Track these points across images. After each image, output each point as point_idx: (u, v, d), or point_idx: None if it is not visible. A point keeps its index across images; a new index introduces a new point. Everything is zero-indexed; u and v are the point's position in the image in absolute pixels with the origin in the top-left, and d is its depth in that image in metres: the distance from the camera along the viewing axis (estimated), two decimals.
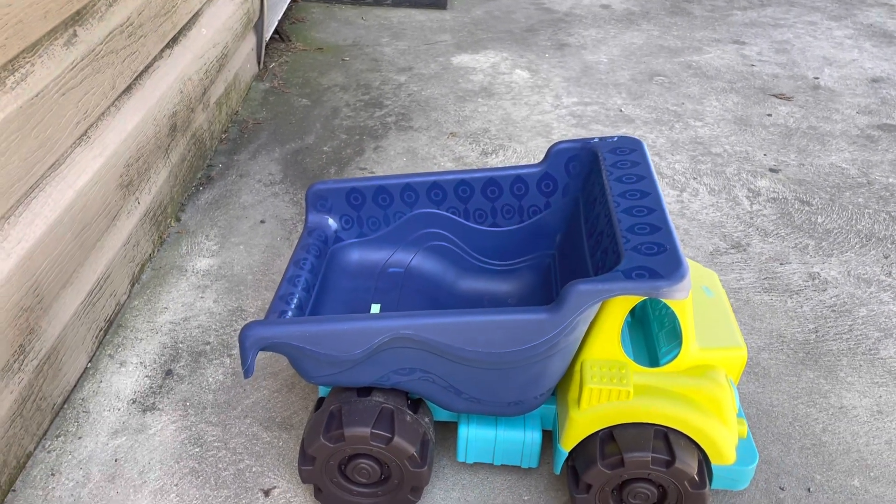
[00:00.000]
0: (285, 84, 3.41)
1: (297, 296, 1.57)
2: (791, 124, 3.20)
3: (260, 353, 1.81)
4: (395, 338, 1.34)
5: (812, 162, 2.92)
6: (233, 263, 2.25)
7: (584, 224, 1.62)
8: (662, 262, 1.26)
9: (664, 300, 1.34)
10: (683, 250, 2.37)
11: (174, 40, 2.42)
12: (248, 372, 1.37)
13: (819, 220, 2.56)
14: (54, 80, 1.66)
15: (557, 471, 1.52)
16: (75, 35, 1.78)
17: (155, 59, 2.26)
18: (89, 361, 1.88)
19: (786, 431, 1.78)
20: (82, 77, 1.79)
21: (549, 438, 1.65)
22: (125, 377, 1.85)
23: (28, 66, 1.58)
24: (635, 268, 1.26)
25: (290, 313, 1.52)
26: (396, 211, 1.80)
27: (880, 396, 1.88)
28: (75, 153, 1.80)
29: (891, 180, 2.79)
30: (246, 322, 1.94)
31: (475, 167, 2.82)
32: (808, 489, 1.65)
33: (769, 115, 3.28)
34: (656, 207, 1.41)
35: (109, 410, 1.76)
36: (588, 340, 1.43)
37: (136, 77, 2.13)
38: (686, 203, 2.63)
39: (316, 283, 1.66)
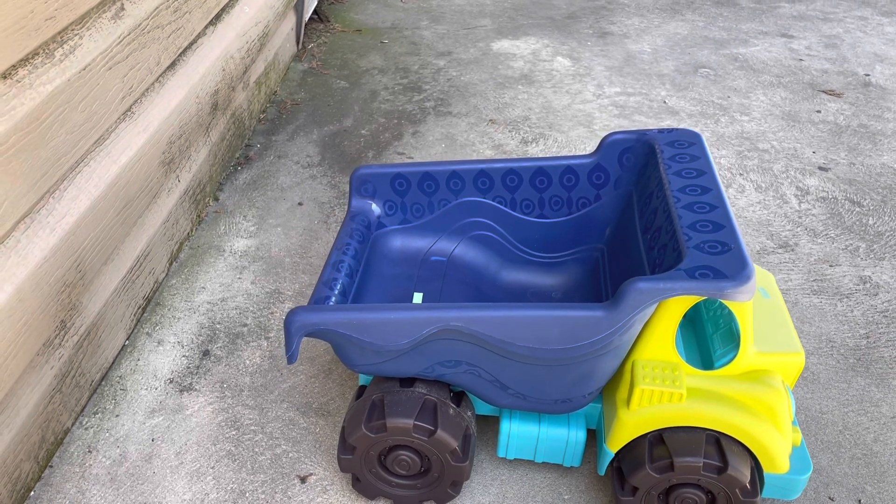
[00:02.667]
0: (324, 65, 3.37)
1: (340, 281, 1.54)
2: (841, 122, 3.10)
3: None
4: (444, 329, 1.30)
5: (863, 161, 2.82)
6: (270, 245, 2.23)
7: (638, 219, 1.56)
8: (727, 262, 1.21)
9: (725, 301, 1.28)
10: None
11: (218, 17, 2.39)
12: (291, 358, 1.35)
13: (870, 222, 2.48)
14: (101, 53, 1.64)
15: (602, 472, 1.48)
16: (123, 9, 1.76)
17: (199, 36, 2.23)
18: (127, 339, 1.87)
19: (836, 440, 1.72)
20: (129, 51, 1.77)
21: (593, 438, 1.61)
22: (163, 356, 1.84)
23: (76, 38, 1.56)
24: (699, 267, 1.21)
25: (333, 299, 1.49)
26: (442, 198, 1.76)
27: None
28: (120, 129, 1.79)
29: None
30: (288, 307, 1.92)
31: (515, 155, 2.77)
32: (860, 501, 1.59)
33: (818, 111, 3.18)
34: (718, 204, 1.35)
35: (147, 389, 1.75)
36: (641, 340, 1.39)
37: (181, 53, 2.11)
38: (732, 200, 2.56)
39: (359, 268, 1.63)
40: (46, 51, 1.46)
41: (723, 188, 1.41)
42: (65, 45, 1.52)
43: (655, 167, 1.54)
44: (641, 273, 1.44)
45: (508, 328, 1.28)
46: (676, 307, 1.32)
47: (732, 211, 1.29)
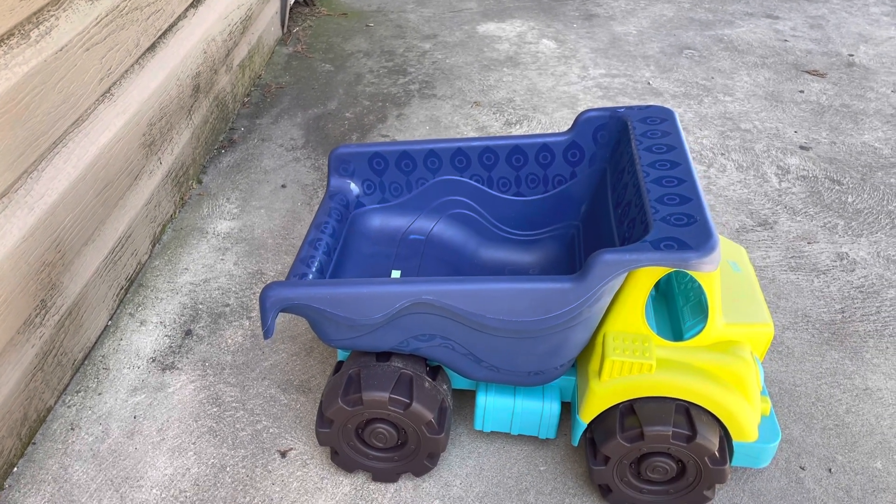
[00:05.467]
0: (309, 49, 3.37)
1: (318, 259, 1.55)
2: (824, 101, 3.12)
3: (279, 315, 1.81)
4: (417, 303, 1.32)
5: (844, 140, 2.85)
6: (253, 227, 2.24)
7: (610, 194, 1.58)
8: (692, 234, 1.23)
9: (691, 273, 1.31)
10: None
11: (198, 0, 2.39)
12: (267, 333, 1.37)
13: (849, 200, 2.50)
14: (78, 34, 1.64)
15: (575, 442, 1.51)
16: None
17: (179, 18, 2.23)
18: (110, 319, 1.89)
19: (808, 411, 1.75)
20: (106, 33, 1.77)
21: (568, 410, 1.64)
22: (145, 336, 1.86)
23: (52, 19, 1.56)
24: (664, 238, 1.23)
25: (310, 276, 1.50)
26: (419, 177, 1.78)
27: None
28: (98, 110, 1.79)
29: None
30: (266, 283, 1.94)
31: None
32: (830, 469, 1.62)
33: (801, 91, 3.20)
34: (686, 178, 1.37)
35: (129, 368, 1.77)
36: (611, 312, 1.41)
37: (161, 35, 2.11)
38: (713, 179, 2.58)
39: (337, 247, 1.65)
40: (22, 31, 1.47)
41: (692, 163, 1.42)
42: (41, 26, 1.53)
43: (628, 143, 1.56)
44: (613, 247, 1.46)
45: (479, 301, 1.31)
46: (645, 279, 1.35)
47: (701, 184, 1.31)
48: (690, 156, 1.44)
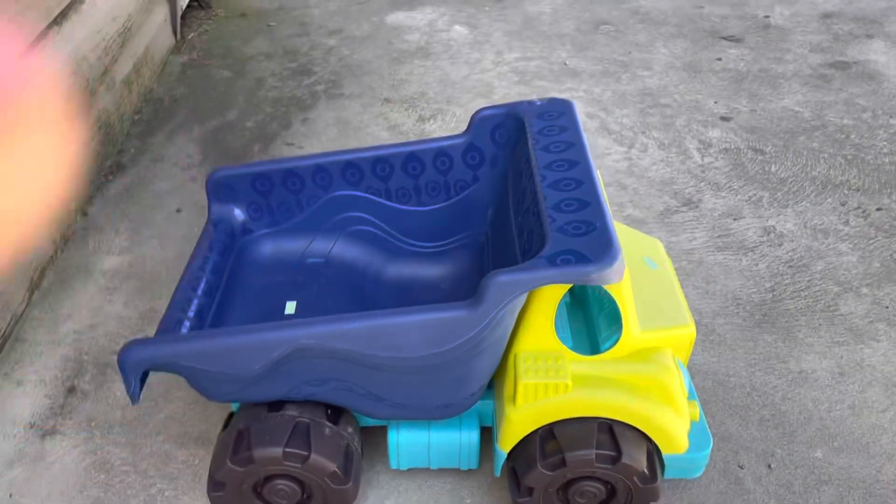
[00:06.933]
0: (205, 55, 3.16)
1: (196, 301, 1.39)
2: (742, 68, 3.05)
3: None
4: (297, 349, 1.18)
5: (764, 107, 2.78)
6: (145, 259, 2.06)
7: (511, 201, 1.46)
8: (591, 244, 1.11)
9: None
10: (632, 212, 2.24)
11: (62, 16, 2.17)
12: (133, 398, 1.21)
13: (773, 170, 2.44)
14: None
15: (497, 473, 1.39)
16: None
17: (39, 38, 2.02)
18: None
19: (744, 403, 1.67)
20: None
21: (490, 435, 1.52)
22: (22, 398, 1.67)
23: None
24: (560, 252, 1.11)
25: (187, 323, 1.35)
26: (310, 195, 1.63)
27: (841, 357, 1.77)
28: None
29: (845, 121, 2.67)
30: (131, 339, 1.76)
31: (413, 136, 2.63)
32: (769, 465, 1.54)
33: (719, 59, 3.13)
34: (585, 179, 1.25)
35: (4, 438, 1.58)
36: (519, 331, 1.29)
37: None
38: (634, 160, 2.48)
39: (220, 284, 1.49)
40: None
41: (591, 160, 1.31)
42: None
43: (525, 143, 1.43)
44: (515, 261, 1.34)
45: (365, 340, 1.17)
46: (550, 294, 1.23)
47: (601, 184, 1.19)
48: (589, 151, 1.32)
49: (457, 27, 3.42)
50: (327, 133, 2.64)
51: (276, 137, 2.62)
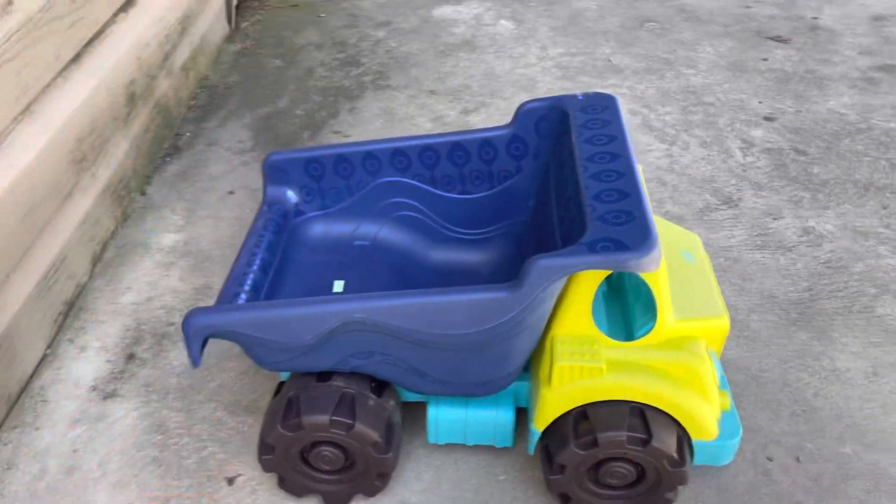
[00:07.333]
0: (258, 45, 3.26)
1: (251, 276, 1.48)
2: (788, 69, 3.04)
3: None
4: (348, 322, 1.25)
5: (809, 108, 2.78)
6: (199, 238, 2.16)
7: (553, 190, 1.51)
8: (629, 233, 1.16)
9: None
10: (671, 208, 2.27)
11: (128, 4, 2.28)
12: (195, 362, 1.29)
13: (815, 171, 2.44)
14: None
15: (531, 451, 1.45)
16: (10, 3, 1.66)
17: (106, 25, 2.13)
18: (48, 347, 1.81)
19: (775, 398, 1.70)
20: (21, 48, 1.67)
21: (525, 416, 1.58)
22: (85, 363, 1.78)
23: None
24: (600, 239, 1.16)
25: (243, 296, 1.43)
26: (359, 180, 1.70)
27: (875, 357, 1.79)
28: (17, 130, 1.70)
29: (891, 125, 2.65)
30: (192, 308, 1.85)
31: (456, 127, 2.70)
32: (798, 458, 1.57)
33: (765, 59, 3.12)
34: (626, 171, 1.30)
35: (69, 399, 1.69)
36: (558, 315, 1.35)
37: (85, 45, 2.01)
38: (676, 157, 2.51)
39: (274, 261, 1.57)
40: None
41: (632, 153, 1.35)
42: None
43: (568, 135, 1.48)
44: (555, 247, 1.39)
45: (413, 316, 1.24)
46: (588, 280, 1.28)
47: (642, 177, 1.24)
48: (632, 146, 1.37)
49: (502, 21, 3.47)
50: (373, 123, 2.72)
51: (324, 126, 2.70)
